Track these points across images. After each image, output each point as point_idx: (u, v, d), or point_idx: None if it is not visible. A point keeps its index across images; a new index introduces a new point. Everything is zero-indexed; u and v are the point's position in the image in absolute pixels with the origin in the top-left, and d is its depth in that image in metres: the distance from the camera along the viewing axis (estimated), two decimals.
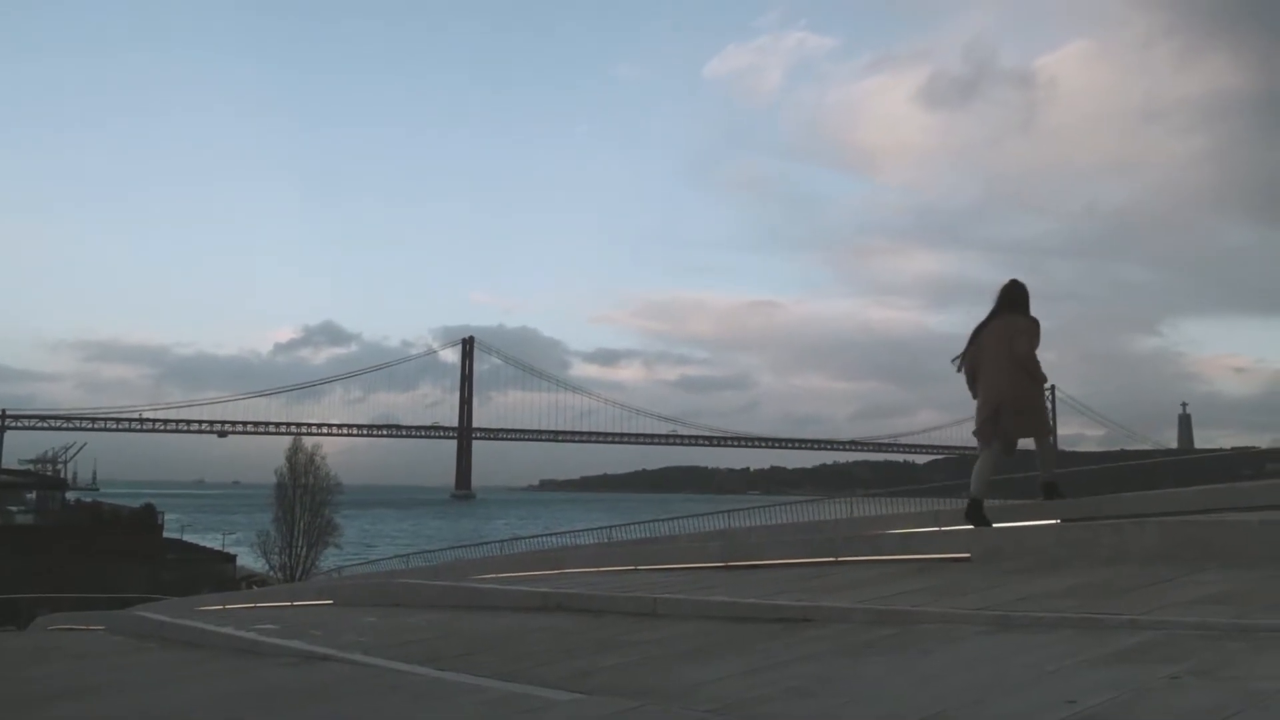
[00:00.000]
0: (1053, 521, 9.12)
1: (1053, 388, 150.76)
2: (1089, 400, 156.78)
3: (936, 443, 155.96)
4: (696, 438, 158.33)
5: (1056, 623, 4.79)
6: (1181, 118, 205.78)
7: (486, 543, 31.13)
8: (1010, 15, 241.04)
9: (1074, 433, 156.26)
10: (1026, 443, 8.75)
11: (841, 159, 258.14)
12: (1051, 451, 8.72)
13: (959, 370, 8.61)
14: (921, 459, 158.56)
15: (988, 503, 8.44)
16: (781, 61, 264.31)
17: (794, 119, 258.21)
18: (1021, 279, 8.43)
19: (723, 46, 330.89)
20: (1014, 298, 8.40)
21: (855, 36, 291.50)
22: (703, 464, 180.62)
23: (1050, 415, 8.61)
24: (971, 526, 8.24)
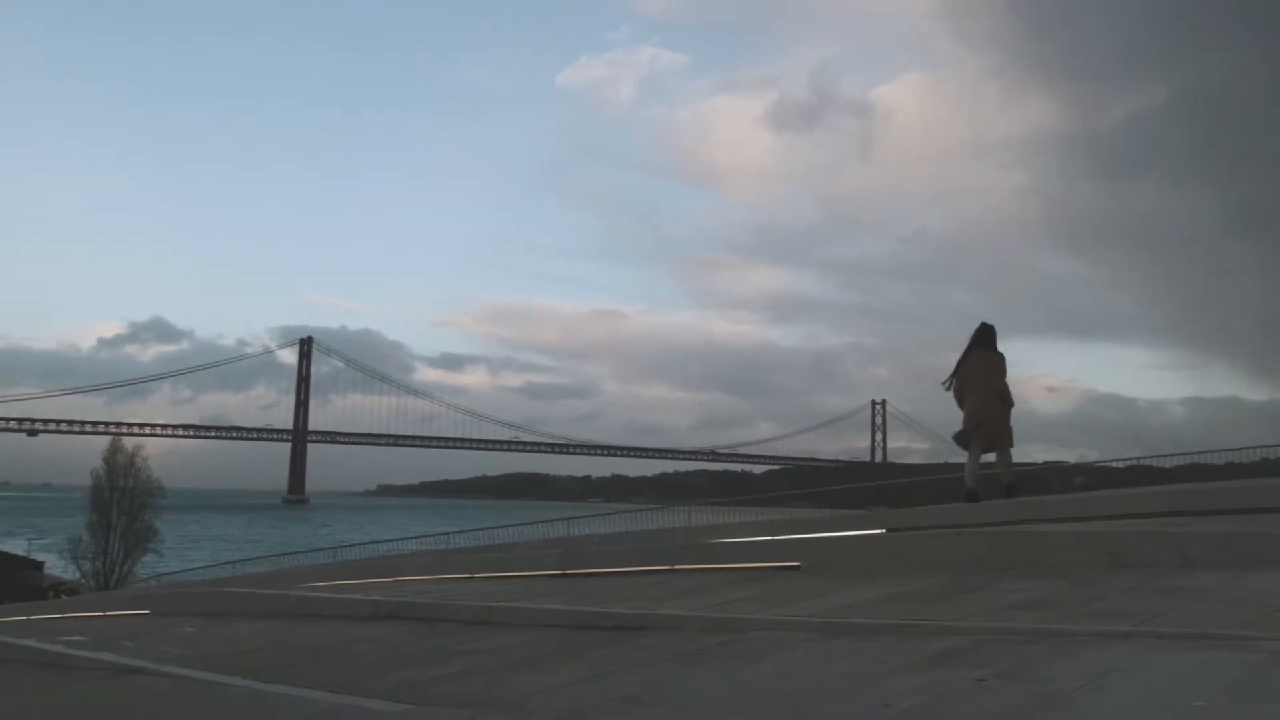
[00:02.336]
0: (878, 531, 9.51)
1: (883, 403, 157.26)
2: (917, 415, 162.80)
3: (774, 453, 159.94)
4: (539, 445, 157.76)
5: (877, 629, 4.99)
6: (1005, 153, 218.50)
7: (318, 549, 30.19)
8: (852, 46, 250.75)
9: (902, 445, 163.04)
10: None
11: (689, 174, 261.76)
12: (1009, 461, 10.94)
13: (947, 389, 10.73)
14: (759, 469, 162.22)
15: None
16: (633, 75, 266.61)
17: (644, 133, 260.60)
18: (988, 321, 10.68)
19: (576, 58, 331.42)
20: (986, 337, 10.61)
21: (705, 56, 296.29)
22: (544, 471, 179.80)
23: (1012, 433, 10.73)
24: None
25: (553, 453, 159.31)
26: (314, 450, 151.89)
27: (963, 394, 10.57)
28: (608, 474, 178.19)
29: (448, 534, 24.53)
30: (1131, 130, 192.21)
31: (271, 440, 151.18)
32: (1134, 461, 25.12)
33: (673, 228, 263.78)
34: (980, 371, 10.49)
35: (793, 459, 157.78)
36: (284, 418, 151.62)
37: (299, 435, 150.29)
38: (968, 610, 5.26)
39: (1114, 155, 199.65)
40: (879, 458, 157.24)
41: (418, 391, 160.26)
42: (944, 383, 10.80)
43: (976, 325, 10.78)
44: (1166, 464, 24.33)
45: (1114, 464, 28.37)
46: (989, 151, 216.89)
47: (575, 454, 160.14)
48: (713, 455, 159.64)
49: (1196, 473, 22.65)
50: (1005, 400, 10.57)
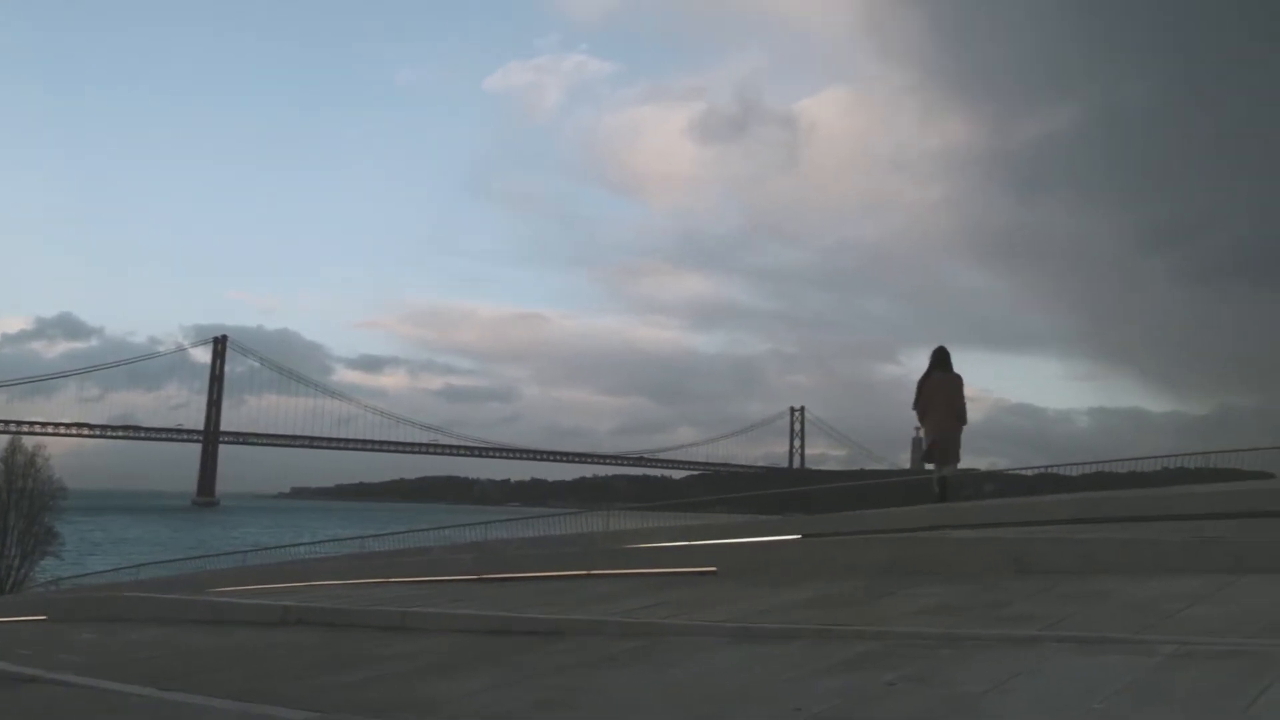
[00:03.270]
0: (794, 537, 9.62)
1: (802, 409, 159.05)
2: (834, 421, 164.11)
3: (694, 459, 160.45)
4: (457, 447, 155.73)
5: (792, 634, 5.05)
6: (923, 168, 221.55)
7: (227, 553, 29.46)
8: (778, 59, 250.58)
9: (820, 452, 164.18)
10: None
11: (615, 181, 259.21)
12: (954, 474, 11.90)
13: (914, 408, 11.82)
14: (678, 474, 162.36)
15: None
16: (561, 82, 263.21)
17: (571, 139, 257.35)
18: (944, 346, 11.92)
19: (505, 61, 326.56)
20: (943, 359, 11.75)
21: (633, 65, 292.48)
22: (463, 474, 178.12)
23: (959, 449, 11.82)
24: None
25: (472, 456, 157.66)
26: (226, 452, 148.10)
27: (925, 413, 11.62)
28: (527, 477, 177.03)
29: (362, 537, 24.13)
30: (1044, 148, 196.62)
31: (181, 441, 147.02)
32: (1042, 469, 25.68)
33: (598, 233, 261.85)
34: (939, 392, 11.55)
35: (712, 464, 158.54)
36: (196, 418, 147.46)
37: (210, 436, 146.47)
38: (881, 615, 5.35)
39: (1027, 172, 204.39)
40: (797, 464, 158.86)
41: (335, 393, 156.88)
42: (914, 409, 11.83)
43: (934, 348, 11.93)
44: (1073, 472, 24.98)
45: (1023, 471, 29.07)
46: (909, 166, 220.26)
47: (495, 457, 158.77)
48: (633, 460, 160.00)
49: (1101, 481, 23.31)
50: (960, 418, 11.68)
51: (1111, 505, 9.21)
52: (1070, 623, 4.65)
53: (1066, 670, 3.83)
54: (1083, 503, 9.70)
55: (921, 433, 11.98)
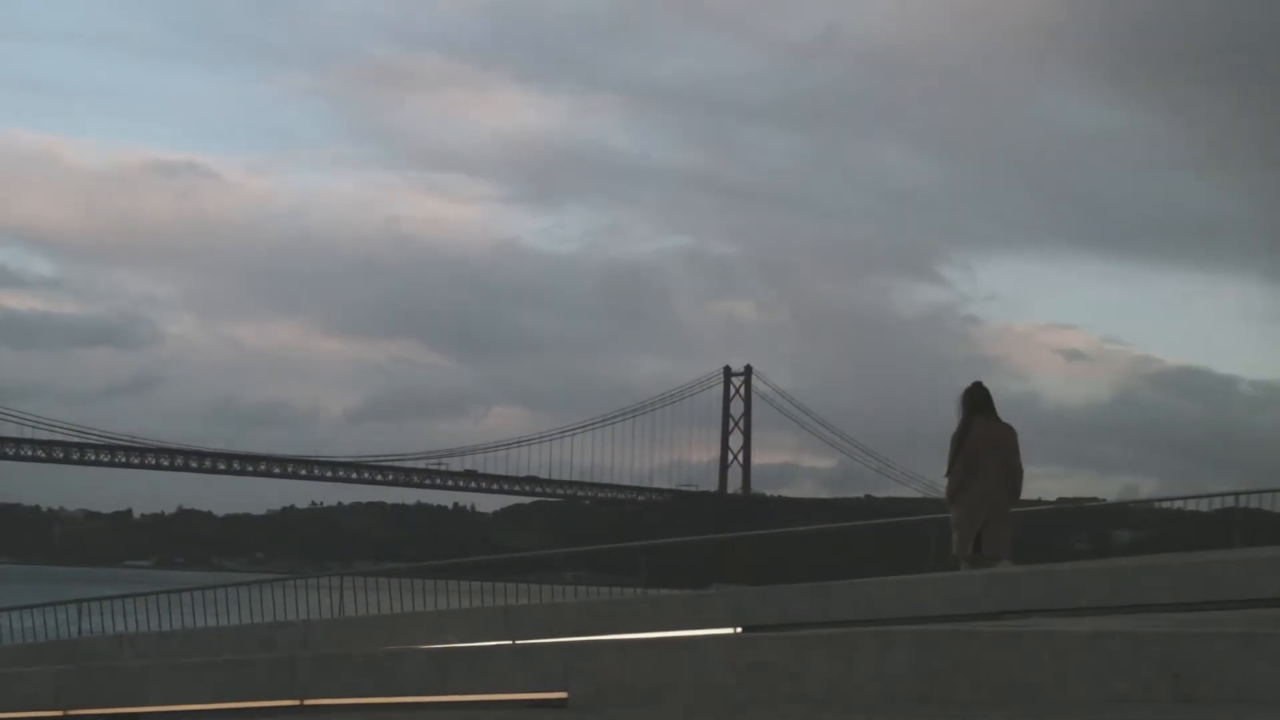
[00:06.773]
0: (726, 631, 9.81)
1: (747, 372, 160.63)
2: (812, 402, 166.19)
3: (515, 472, 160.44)
4: (22, 444, 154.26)
5: None
6: None
7: None
8: None
9: (783, 461, 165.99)
10: None
11: None
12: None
13: (946, 476, 14.18)
14: (487, 502, 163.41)
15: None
16: None
17: None
18: (982, 381, 14.38)
19: None
20: (982, 402, 14.30)
21: None
22: (28, 501, 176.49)
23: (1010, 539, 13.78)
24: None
25: (50, 461, 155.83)
26: None
27: (965, 482, 13.69)
28: (172, 508, 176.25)
29: None
30: None
31: None
32: (1228, 500, 26.75)
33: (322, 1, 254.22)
34: (987, 450, 14.00)
35: (561, 483, 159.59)
36: None
37: None
38: None
39: None
40: (735, 485, 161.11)
41: None
42: (946, 476, 13.96)
43: (967, 386, 14.08)
44: None
45: (1188, 504, 30.13)
46: None
47: (98, 464, 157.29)
48: (394, 471, 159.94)
49: None
50: (1015, 489, 14.18)
51: None
52: None
53: None
54: None
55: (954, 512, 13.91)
